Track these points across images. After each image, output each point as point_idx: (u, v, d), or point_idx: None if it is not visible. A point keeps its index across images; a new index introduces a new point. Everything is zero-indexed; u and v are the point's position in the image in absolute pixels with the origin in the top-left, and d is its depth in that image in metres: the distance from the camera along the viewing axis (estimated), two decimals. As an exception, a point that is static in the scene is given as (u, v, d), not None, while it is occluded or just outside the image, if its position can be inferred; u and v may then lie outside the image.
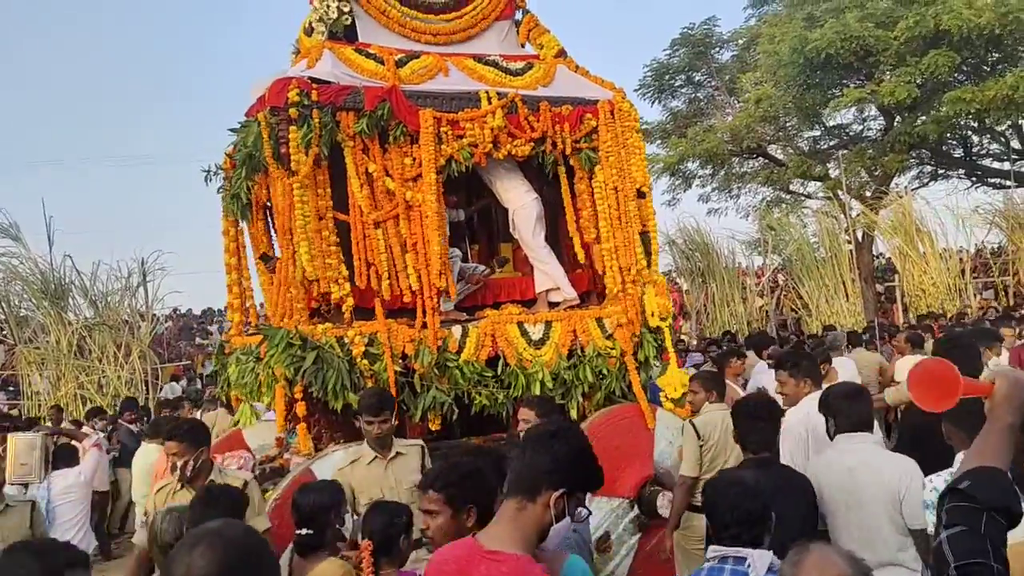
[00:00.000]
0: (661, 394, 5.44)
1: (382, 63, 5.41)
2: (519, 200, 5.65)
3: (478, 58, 5.70)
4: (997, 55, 18.14)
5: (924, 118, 18.10)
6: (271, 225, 5.90)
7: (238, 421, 6.98)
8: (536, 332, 5.30)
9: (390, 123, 5.27)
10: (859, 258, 19.31)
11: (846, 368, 6.92)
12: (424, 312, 5.20)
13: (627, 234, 5.54)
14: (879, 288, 20.48)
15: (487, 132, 5.34)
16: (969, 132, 20.51)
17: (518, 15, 6.16)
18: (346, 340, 5.02)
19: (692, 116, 22.48)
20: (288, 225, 5.20)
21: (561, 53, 5.95)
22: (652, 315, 5.44)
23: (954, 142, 20.86)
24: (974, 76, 17.93)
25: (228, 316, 6.31)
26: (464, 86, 5.49)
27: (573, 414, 5.27)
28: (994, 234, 20.02)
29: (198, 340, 24.81)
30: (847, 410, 3.53)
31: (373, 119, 5.22)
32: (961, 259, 19.20)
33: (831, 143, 21.29)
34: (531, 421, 4.25)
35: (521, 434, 4.23)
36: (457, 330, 5.24)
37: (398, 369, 5.05)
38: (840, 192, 19.21)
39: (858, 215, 19.53)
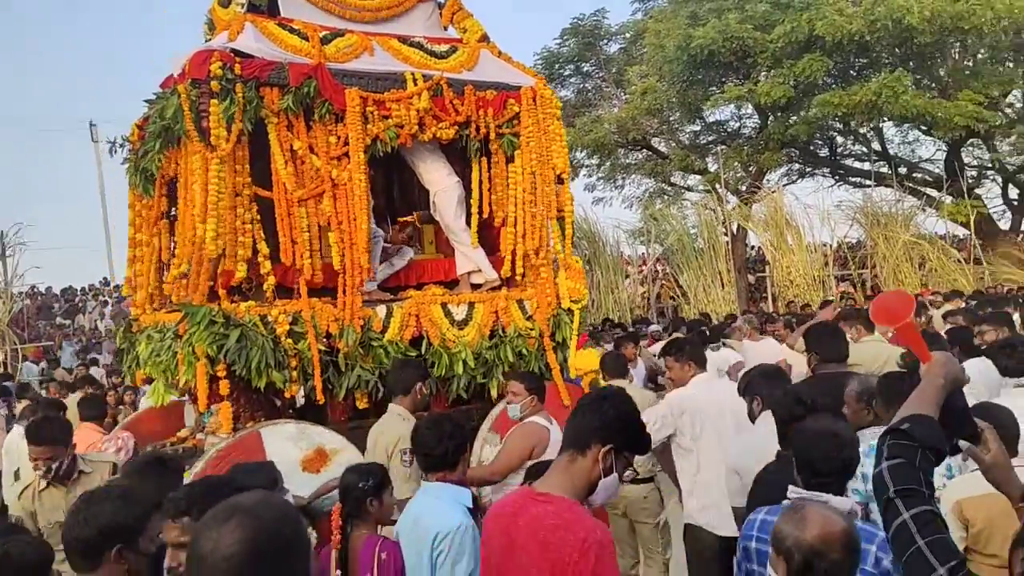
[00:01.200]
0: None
1: (307, 39, 5.38)
2: (441, 183, 5.76)
3: (403, 39, 5.76)
4: (864, 61, 19.50)
5: (795, 118, 19.28)
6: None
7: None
8: (459, 313, 5.44)
9: (315, 101, 5.26)
10: (734, 250, 20.35)
11: (771, 347, 7.45)
12: (346, 291, 5.24)
13: (539, 219, 5.75)
14: (751, 279, 21.68)
15: (413, 114, 5.42)
16: (835, 133, 21.99)
17: (441, -3, 6.25)
18: (270, 318, 5.01)
19: (580, 106, 23.05)
20: (202, 201, 5.08)
21: (484, 38, 6.08)
22: (564, 298, 5.68)
23: (821, 142, 22.32)
24: (842, 80, 19.20)
25: (125, 291, 6.15)
26: (390, 67, 5.53)
27: (493, 392, 5.45)
28: (854, 230, 21.53)
29: (59, 320, 23.45)
30: (769, 390, 3.79)
31: (299, 96, 5.20)
32: (824, 253, 20.58)
33: (710, 138, 22.36)
34: (519, 395, 4.45)
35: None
36: (382, 310, 5.31)
37: (322, 348, 5.08)
38: (718, 186, 20.22)
39: (734, 208, 20.59)
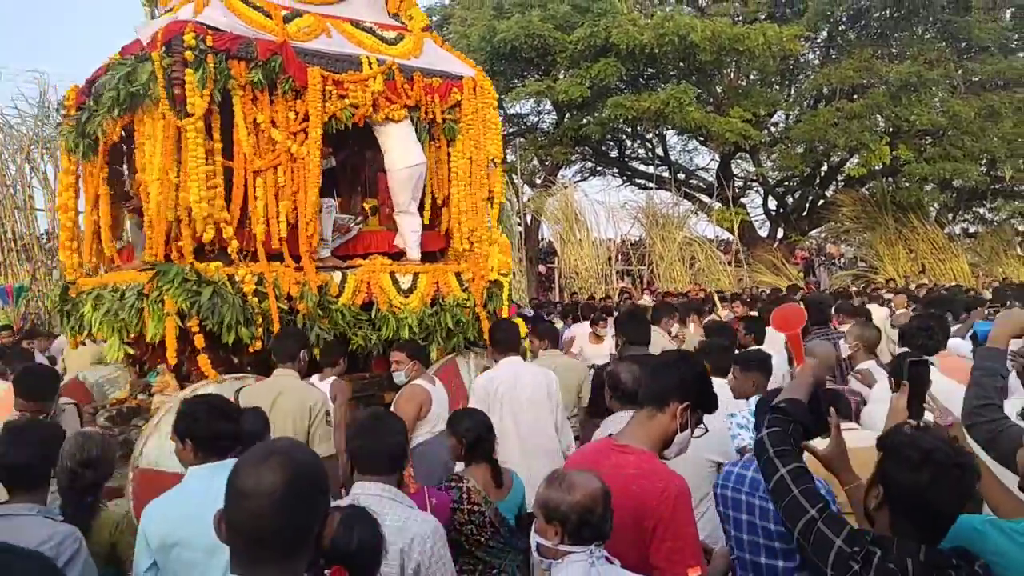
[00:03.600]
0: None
1: (270, 17, 5.96)
2: (407, 160, 6.43)
3: (355, 23, 6.46)
4: (652, 71, 22.02)
5: (590, 118, 21.38)
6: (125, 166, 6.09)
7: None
8: (406, 282, 6.28)
9: (279, 76, 5.86)
10: (527, 239, 22.14)
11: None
12: (302, 257, 5.91)
13: (476, 200, 6.73)
14: (542, 269, 23.62)
15: (368, 95, 6.18)
16: (624, 136, 24.56)
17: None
18: (237, 278, 5.57)
19: (384, 86, 23.68)
20: (166, 166, 5.47)
21: (427, 28, 6.89)
22: (493, 270, 6.69)
23: (612, 143, 24.82)
24: (633, 87, 21.58)
25: (60, 256, 6.35)
26: (346, 49, 6.24)
27: (434, 355, 6.35)
28: (636, 228, 24.19)
29: None
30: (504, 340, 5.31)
31: (266, 71, 5.78)
32: (608, 248, 22.96)
33: (511, 130, 24.01)
34: (403, 363, 5.38)
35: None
36: (337, 276, 6.04)
37: (284, 308, 5.72)
38: (515, 177, 21.86)
39: (529, 200, 22.37)
